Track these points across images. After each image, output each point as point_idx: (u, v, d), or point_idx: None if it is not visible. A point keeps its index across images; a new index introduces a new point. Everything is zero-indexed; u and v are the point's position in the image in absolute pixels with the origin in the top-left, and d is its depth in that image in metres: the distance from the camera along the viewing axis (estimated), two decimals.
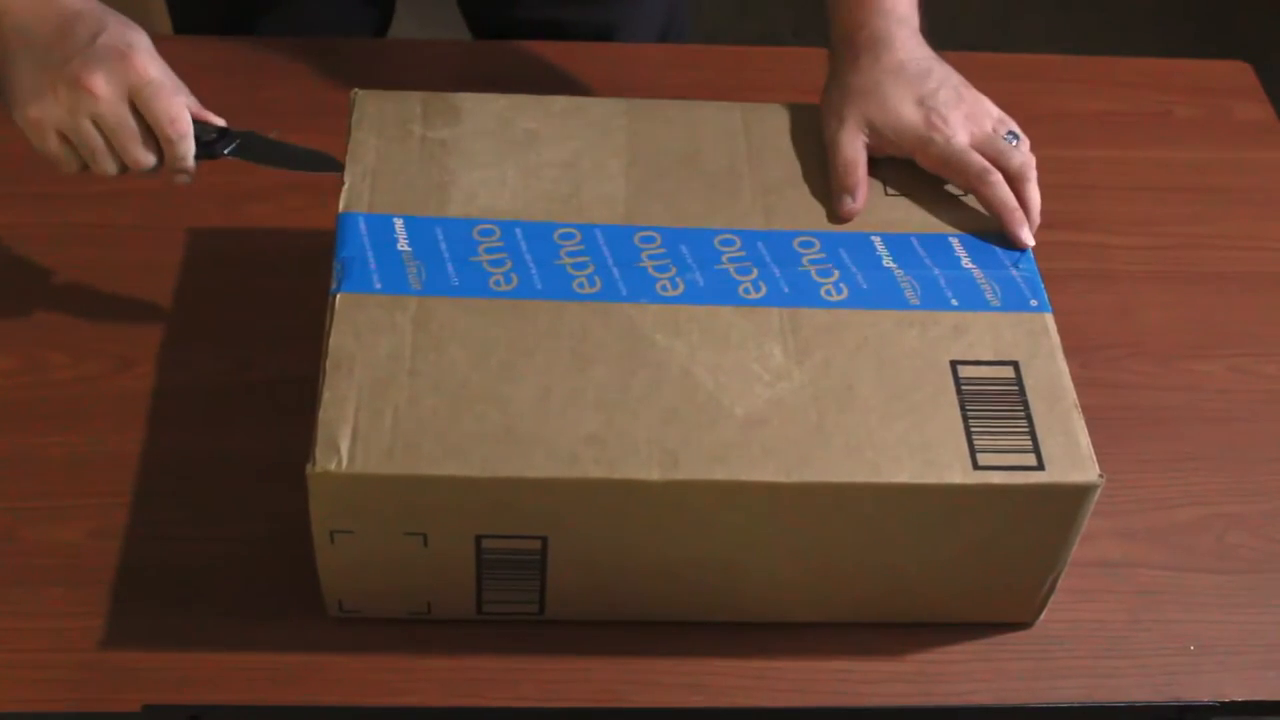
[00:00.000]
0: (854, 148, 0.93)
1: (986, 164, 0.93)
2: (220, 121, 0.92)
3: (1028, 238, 0.91)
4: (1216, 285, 1.08)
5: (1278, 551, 0.92)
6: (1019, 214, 0.91)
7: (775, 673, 0.84)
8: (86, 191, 1.08)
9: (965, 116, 0.95)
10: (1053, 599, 0.87)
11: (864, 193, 0.92)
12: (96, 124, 0.87)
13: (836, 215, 0.91)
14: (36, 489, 0.90)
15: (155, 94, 0.88)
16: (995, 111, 0.97)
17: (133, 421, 0.94)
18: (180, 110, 0.89)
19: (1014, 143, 0.95)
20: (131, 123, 0.88)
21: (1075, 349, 1.01)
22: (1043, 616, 0.87)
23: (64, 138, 0.88)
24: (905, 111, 0.94)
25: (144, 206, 1.07)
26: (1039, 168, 1.15)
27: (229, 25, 1.26)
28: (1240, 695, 0.85)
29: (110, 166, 0.89)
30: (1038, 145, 1.17)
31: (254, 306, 1.00)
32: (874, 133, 0.94)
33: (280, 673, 0.83)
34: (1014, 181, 0.93)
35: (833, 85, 0.98)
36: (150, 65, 0.88)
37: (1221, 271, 1.09)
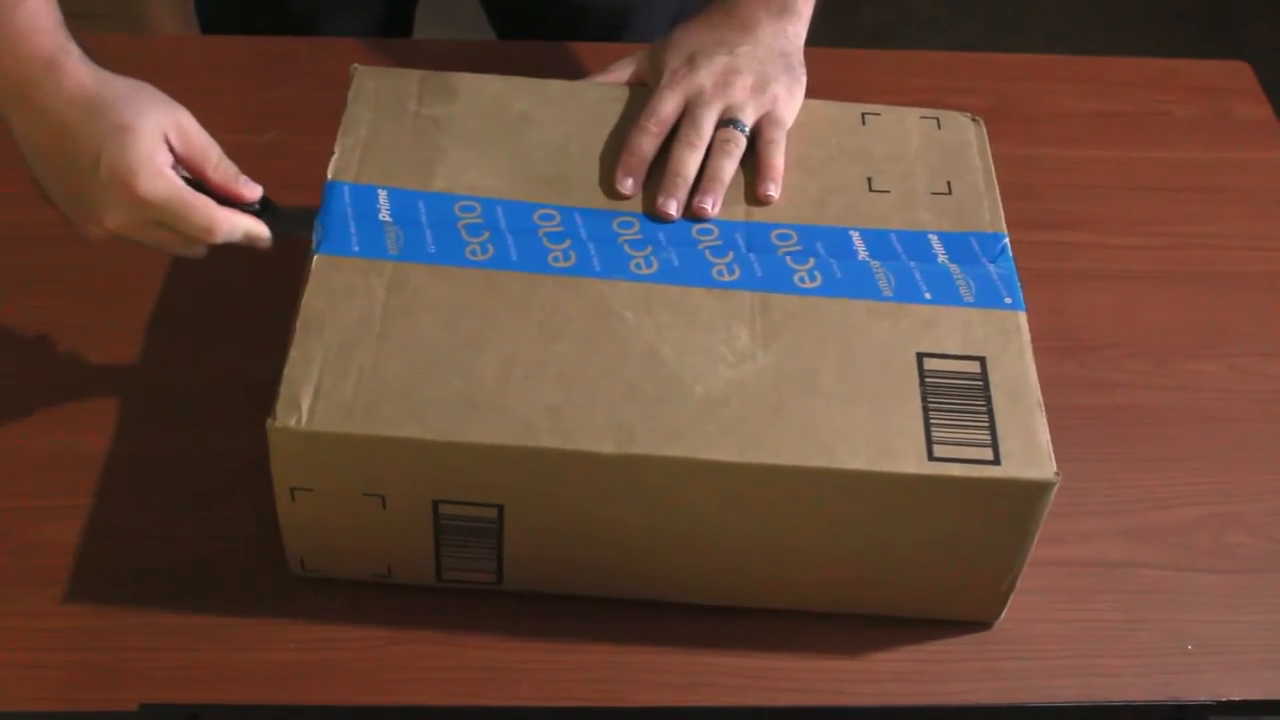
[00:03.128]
0: (621, 64, 1.01)
1: (655, 117, 0.94)
2: (255, 194, 0.87)
3: (622, 183, 0.91)
4: (1216, 285, 1.08)
5: (1277, 551, 0.92)
6: (629, 163, 0.92)
7: (775, 673, 0.84)
8: None
9: (714, 81, 0.97)
10: (1052, 599, 0.87)
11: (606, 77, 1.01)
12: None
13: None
14: (36, 489, 0.90)
15: (175, 217, 0.83)
16: (747, 102, 0.97)
17: (132, 421, 0.94)
18: (208, 217, 0.83)
19: (733, 129, 0.95)
20: (167, 234, 0.84)
21: (1075, 349, 1.01)
22: (1043, 616, 0.87)
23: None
24: (678, 50, 0.99)
25: None
26: (1039, 167, 1.15)
27: (256, 25, 1.26)
28: (1238, 695, 0.85)
29: (192, 250, 0.86)
30: (1038, 145, 1.18)
31: (253, 306, 1.00)
32: (650, 57, 1.01)
33: (280, 673, 0.83)
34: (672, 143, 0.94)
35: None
36: (157, 185, 0.82)
37: (1221, 271, 1.09)
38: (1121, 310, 1.06)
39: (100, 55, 1.20)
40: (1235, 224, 1.13)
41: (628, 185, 0.91)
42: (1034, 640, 0.87)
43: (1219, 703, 0.85)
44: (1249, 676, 0.86)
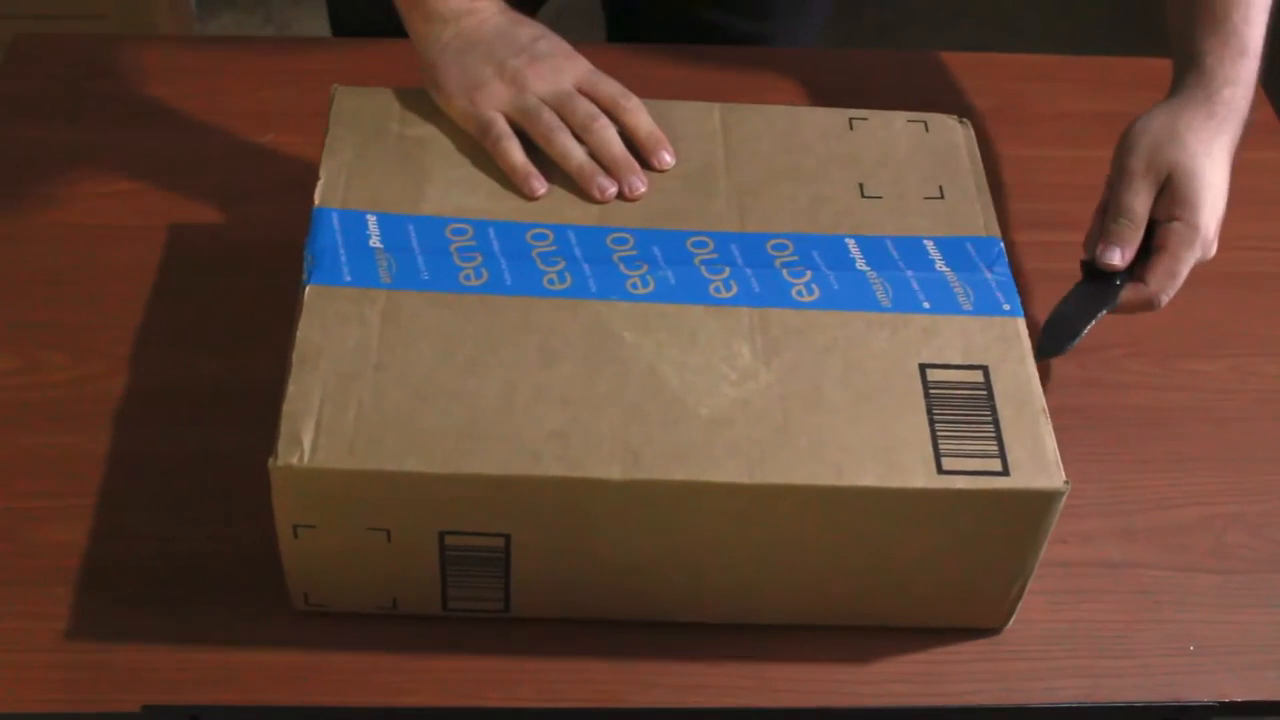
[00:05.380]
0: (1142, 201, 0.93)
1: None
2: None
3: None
4: (1217, 285, 1.08)
5: (1277, 551, 0.92)
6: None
7: (775, 673, 0.84)
8: (86, 191, 1.09)
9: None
10: (1054, 599, 0.87)
11: (1133, 252, 0.92)
12: (545, 101, 0.95)
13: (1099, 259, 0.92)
14: (36, 489, 0.90)
15: (602, 78, 0.96)
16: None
17: (132, 421, 0.94)
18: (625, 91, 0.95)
19: None
20: (582, 106, 0.94)
21: (1076, 349, 1.01)
22: (1044, 617, 0.87)
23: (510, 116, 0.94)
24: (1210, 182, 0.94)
25: (143, 207, 1.07)
26: (1039, 167, 1.15)
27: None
28: (1239, 695, 0.85)
29: (567, 141, 0.93)
30: (1038, 145, 1.18)
31: (253, 307, 1.00)
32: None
33: (280, 673, 0.83)
34: None
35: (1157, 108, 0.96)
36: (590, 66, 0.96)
37: (1222, 271, 1.09)
38: None
39: (101, 55, 1.20)
40: (1236, 224, 1.13)
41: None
42: (1035, 641, 0.87)
43: (1221, 704, 0.85)
44: (1251, 677, 0.86)
